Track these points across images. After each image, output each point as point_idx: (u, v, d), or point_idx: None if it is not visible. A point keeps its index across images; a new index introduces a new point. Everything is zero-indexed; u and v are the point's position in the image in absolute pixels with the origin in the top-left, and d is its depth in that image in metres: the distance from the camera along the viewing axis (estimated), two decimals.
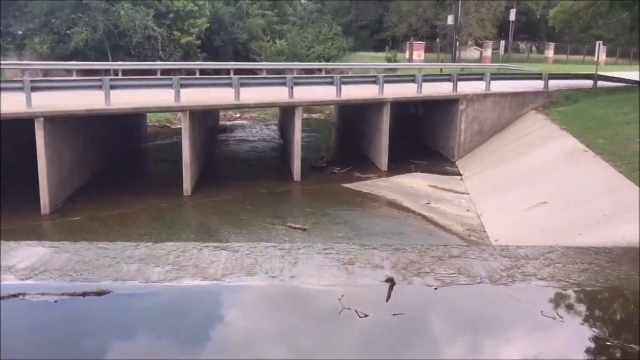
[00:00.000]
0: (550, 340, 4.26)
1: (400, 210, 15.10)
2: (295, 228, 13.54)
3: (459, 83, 20.30)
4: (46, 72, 30.06)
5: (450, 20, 40.86)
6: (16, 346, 3.31)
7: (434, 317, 3.99)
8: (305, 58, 42.58)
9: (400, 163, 18.96)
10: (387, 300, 3.87)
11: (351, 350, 3.50)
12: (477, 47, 47.72)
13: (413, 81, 19.99)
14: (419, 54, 40.89)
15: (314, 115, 30.41)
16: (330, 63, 39.35)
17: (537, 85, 21.83)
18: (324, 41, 44.99)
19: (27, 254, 4.35)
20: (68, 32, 35.38)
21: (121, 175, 18.16)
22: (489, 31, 46.47)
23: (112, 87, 15.76)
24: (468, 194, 15.94)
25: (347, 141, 24.24)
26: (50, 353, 3.30)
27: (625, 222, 8.73)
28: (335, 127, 28.54)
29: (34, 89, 14.77)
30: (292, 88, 17.73)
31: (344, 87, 18.67)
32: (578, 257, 6.21)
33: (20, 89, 14.78)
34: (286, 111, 20.90)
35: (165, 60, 35.37)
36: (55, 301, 3.70)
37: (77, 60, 31.46)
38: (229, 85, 17.43)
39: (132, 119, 21.92)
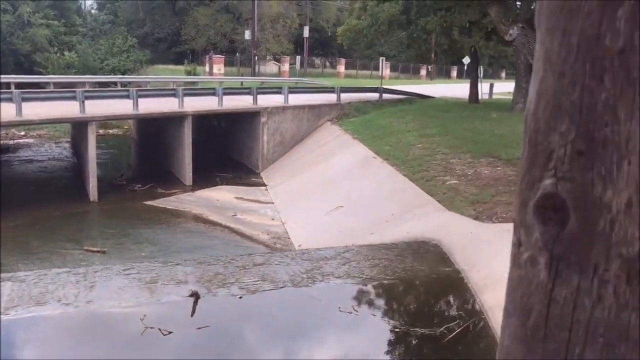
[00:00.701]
0: (352, 335, 4.61)
1: (206, 224, 14.97)
2: (93, 251, 12.59)
3: (259, 96, 20.80)
4: None
5: (247, 35, 41.89)
6: None
7: (240, 326, 4.06)
8: (100, 71, 40.57)
9: (205, 177, 18.79)
10: (192, 315, 3.84)
11: None
12: (275, 62, 49.55)
13: (214, 94, 20.01)
14: (219, 67, 41.07)
15: (110, 131, 28.70)
16: (126, 76, 37.71)
17: (331, 98, 23.30)
18: (118, 53, 42.95)
19: None
20: None
21: None
22: (285, 47, 48.67)
23: None
24: (273, 203, 16.42)
25: (149, 157, 23.35)
26: None
27: (409, 220, 9.77)
28: (135, 142, 27.31)
29: None
30: (83, 102, 16.55)
31: (141, 100, 17.96)
32: (370, 253, 6.81)
33: None
34: (79, 127, 19.45)
35: None
36: None
37: None
38: (10, 100, 15.71)
39: None
